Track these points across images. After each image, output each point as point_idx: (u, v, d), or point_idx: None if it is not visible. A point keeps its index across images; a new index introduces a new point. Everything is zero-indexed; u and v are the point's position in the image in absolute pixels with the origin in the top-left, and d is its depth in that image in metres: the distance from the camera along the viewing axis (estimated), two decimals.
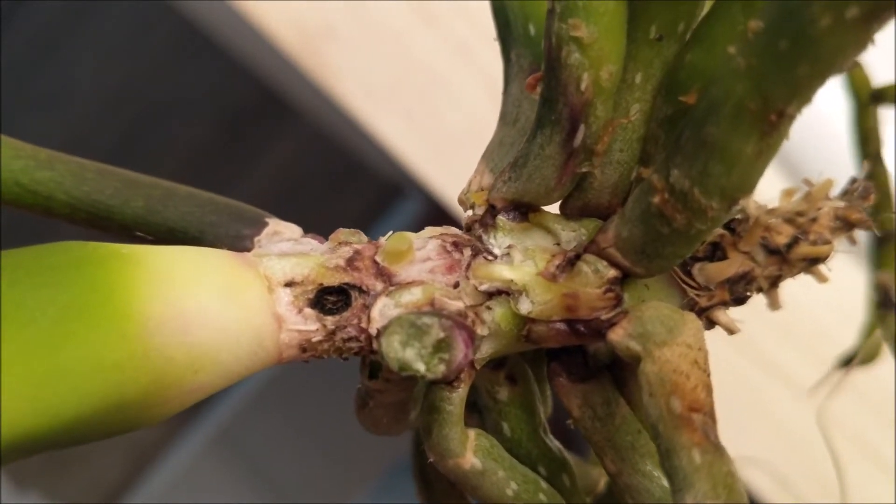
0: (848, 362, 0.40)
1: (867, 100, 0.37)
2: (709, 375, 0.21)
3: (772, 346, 0.75)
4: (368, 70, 0.70)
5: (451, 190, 0.70)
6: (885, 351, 0.41)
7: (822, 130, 0.69)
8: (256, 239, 0.27)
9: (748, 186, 0.20)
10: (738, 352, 0.74)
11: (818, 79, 0.19)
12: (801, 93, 0.19)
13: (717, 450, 0.20)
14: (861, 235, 0.41)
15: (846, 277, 0.72)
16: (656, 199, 0.21)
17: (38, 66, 1.17)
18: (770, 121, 0.19)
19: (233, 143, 1.26)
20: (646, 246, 0.22)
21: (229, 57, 0.95)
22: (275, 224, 0.27)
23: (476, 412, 0.29)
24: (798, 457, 0.74)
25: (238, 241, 0.27)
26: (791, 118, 0.19)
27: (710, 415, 0.21)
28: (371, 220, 1.27)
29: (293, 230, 0.27)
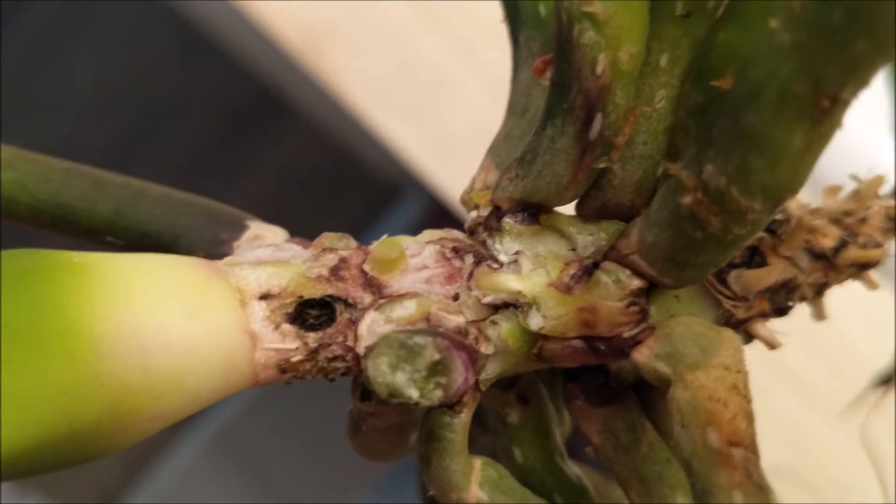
0: (884, 381, 0.37)
1: None
2: (750, 402, 0.19)
3: (797, 361, 0.73)
4: (370, 69, 0.69)
5: (453, 191, 0.69)
6: None
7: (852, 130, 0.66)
8: (236, 244, 0.24)
9: (796, 184, 0.17)
10: (760, 363, 0.71)
11: (878, 57, 0.16)
12: (858, 74, 0.16)
13: (760, 491, 0.17)
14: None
15: (876, 294, 0.68)
16: (687, 200, 0.18)
17: (37, 67, 1.16)
18: (822, 107, 0.16)
19: (233, 143, 1.24)
20: (675, 253, 0.19)
21: (230, 57, 0.93)
22: (256, 227, 0.24)
23: (487, 430, 0.26)
24: (825, 472, 0.71)
25: (215, 245, 0.24)
26: (846, 104, 0.16)
27: (753, 449, 0.18)
28: (371, 221, 1.25)
29: (277, 234, 0.24)
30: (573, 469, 0.24)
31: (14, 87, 1.06)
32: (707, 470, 0.17)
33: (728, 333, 0.19)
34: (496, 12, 0.26)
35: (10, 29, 1.12)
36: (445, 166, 0.69)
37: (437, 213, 0.73)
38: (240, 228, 0.24)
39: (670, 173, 0.20)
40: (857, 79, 0.16)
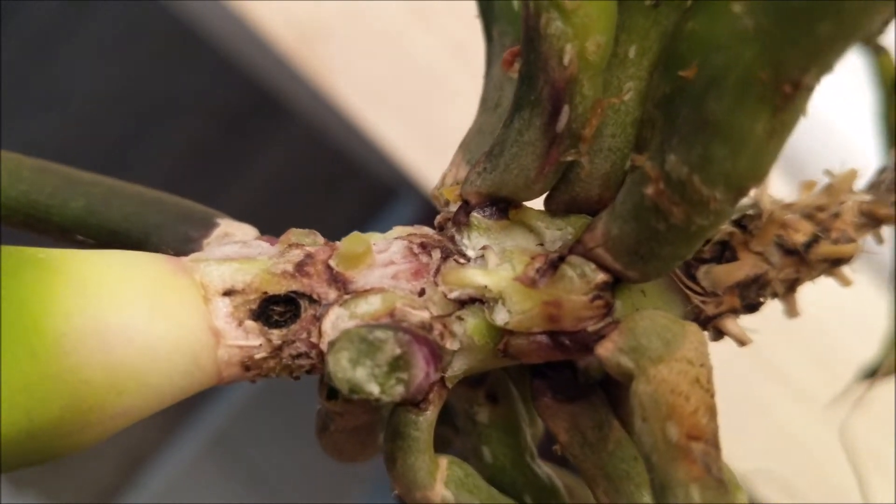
0: (870, 375, 0.36)
1: (894, 86, 0.33)
2: (713, 396, 0.18)
3: (781, 357, 0.72)
4: (364, 71, 0.69)
5: None
6: None
7: (832, 124, 0.66)
8: (205, 242, 0.24)
9: (758, 173, 0.17)
10: (748, 363, 0.71)
11: (841, 41, 0.15)
12: (821, 58, 0.15)
13: (719, 486, 0.17)
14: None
15: (864, 293, 0.68)
16: (650, 190, 0.18)
17: (33, 68, 1.16)
18: (784, 93, 0.16)
19: (227, 144, 1.25)
20: (639, 246, 0.19)
21: (224, 58, 0.93)
22: (226, 225, 0.24)
23: (460, 434, 0.25)
24: (808, 470, 0.71)
25: (185, 244, 0.24)
26: (809, 90, 0.16)
27: (713, 443, 0.17)
28: (365, 222, 1.25)
29: (246, 231, 0.24)
30: (543, 469, 0.24)
31: (10, 89, 1.06)
32: (666, 464, 0.17)
33: (692, 327, 0.19)
34: None
35: (7, 30, 1.12)
36: (439, 167, 0.69)
37: (430, 214, 0.73)
38: (209, 226, 0.24)
39: (636, 165, 0.20)
40: (821, 63, 0.15)
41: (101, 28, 1.17)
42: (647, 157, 0.18)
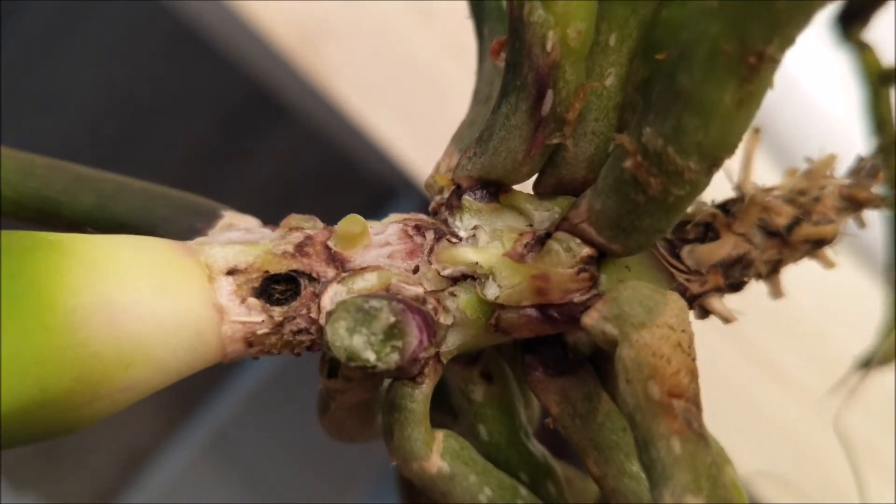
0: (865, 365, 0.37)
1: (878, 83, 0.34)
2: (694, 360, 0.19)
3: (779, 353, 0.73)
4: (365, 70, 0.69)
5: None
6: None
7: (826, 123, 0.67)
8: (210, 232, 0.25)
9: (729, 143, 0.18)
10: (745, 358, 0.71)
11: (800, 14, 0.16)
12: (782, 30, 0.16)
13: (699, 439, 0.18)
14: (873, 238, 0.38)
15: (854, 284, 0.69)
16: (629, 164, 0.19)
17: (33, 69, 1.16)
18: (749, 64, 0.17)
19: (227, 144, 1.25)
20: (621, 218, 0.20)
21: (224, 58, 0.94)
22: (230, 217, 0.25)
23: (452, 417, 0.26)
24: (805, 464, 0.71)
25: (191, 234, 0.25)
26: (773, 61, 0.17)
27: (694, 401, 0.18)
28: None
29: (249, 222, 0.25)
30: (538, 447, 0.25)
31: (10, 90, 1.07)
32: (648, 420, 0.18)
33: (673, 296, 0.20)
34: None
35: (6, 31, 1.13)
36: None
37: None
38: (214, 218, 0.25)
39: (617, 143, 0.21)
40: (782, 36, 0.17)
41: (101, 28, 1.18)
42: (626, 134, 0.19)
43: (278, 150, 1.27)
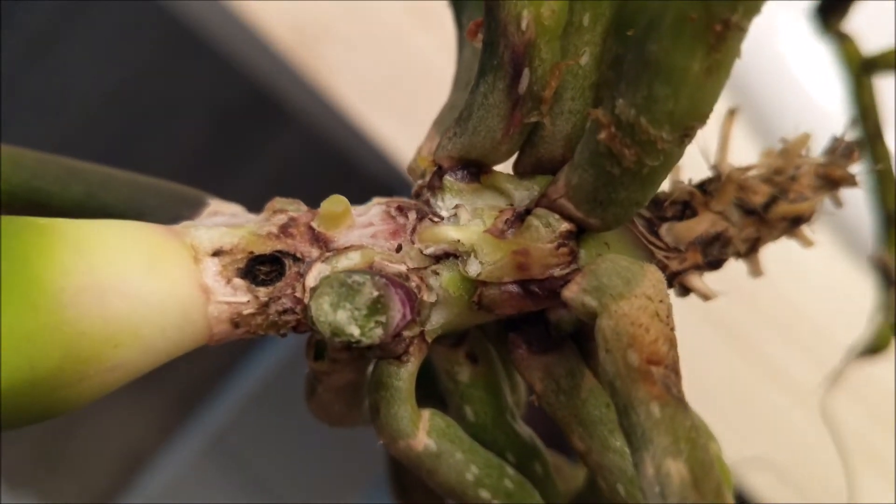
0: (858, 355, 0.37)
1: (860, 71, 0.35)
2: (672, 329, 0.19)
3: (771, 347, 0.73)
4: (364, 71, 0.69)
5: None
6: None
7: (815, 104, 0.68)
8: (196, 220, 0.25)
9: (700, 111, 0.18)
10: (738, 354, 0.72)
11: None
12: None
13: (678, 403, 0.18)
14: (863, 230, 0.38)
15: (847, 278, 0.69)
16: (603, 135, 0.19)
17: (32, 68, 1.17)
18: (715, 31, 0.17)
19: (226, 144, 1.25)
20: (597, 192, 0.21)
21: (223, 57, 0.94)
22: (216, 205, 0.26)
23: (441, 406, 0.27)
24: (798, 457, 0.72)
25: (177, 222, 0.25)
26: (739, 29, 0.17)
27: (673, 368, 0.19)
28: None
29: (235, 209, 0.25)
30: (525, 428, 0.25)
31: (9, 89, 1.07)
32: (627, 386, 0.18)
33: (651, 267, 0.20)
34: None
35: (5, 31, 1.13)
36: None
37: None
38: (200, 206, 0.25)
39: (592, 117, 0.21)
40: (746, 4, 0.17)
41: (100, 28, 1.18)
42: (601, 109, 0.20)
43: (277, 149, 1.27)
